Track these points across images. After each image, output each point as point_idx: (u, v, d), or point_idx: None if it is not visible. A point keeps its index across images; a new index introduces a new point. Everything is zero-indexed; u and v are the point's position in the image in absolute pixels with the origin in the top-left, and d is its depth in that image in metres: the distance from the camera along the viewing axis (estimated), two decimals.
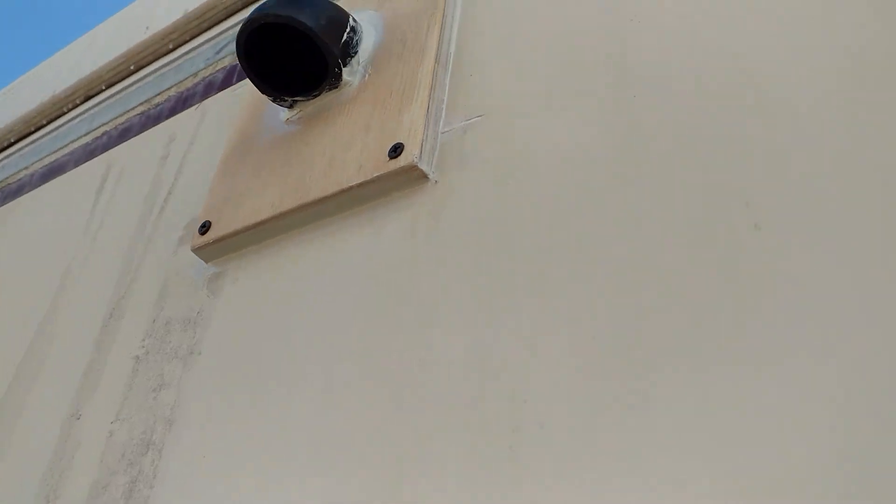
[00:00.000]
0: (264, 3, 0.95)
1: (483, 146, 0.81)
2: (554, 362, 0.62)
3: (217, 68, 1.33)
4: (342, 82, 0.96)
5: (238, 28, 1.36)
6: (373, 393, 0.73)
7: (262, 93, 0.99)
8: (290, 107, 1.00)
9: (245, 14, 1.40)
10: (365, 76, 0.96)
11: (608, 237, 0.66)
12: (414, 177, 0.83)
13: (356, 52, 0.97)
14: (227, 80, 1.28)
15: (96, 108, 1.59)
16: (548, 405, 0.60)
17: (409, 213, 0.82)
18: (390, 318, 0.76)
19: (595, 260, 0.66)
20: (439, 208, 0.80)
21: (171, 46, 1.50)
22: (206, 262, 1.00)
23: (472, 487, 0.60)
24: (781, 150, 0.60)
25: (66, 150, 1.57)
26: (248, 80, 1.21)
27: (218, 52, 1.37)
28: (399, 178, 0.83)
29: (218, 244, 0.97)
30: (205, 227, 0.98)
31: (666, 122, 0.69)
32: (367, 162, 0.85)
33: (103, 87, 1.62)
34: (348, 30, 0.96)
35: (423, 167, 0.82)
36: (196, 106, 1.29)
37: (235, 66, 1.29)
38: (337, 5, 0.97)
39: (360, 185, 0.85)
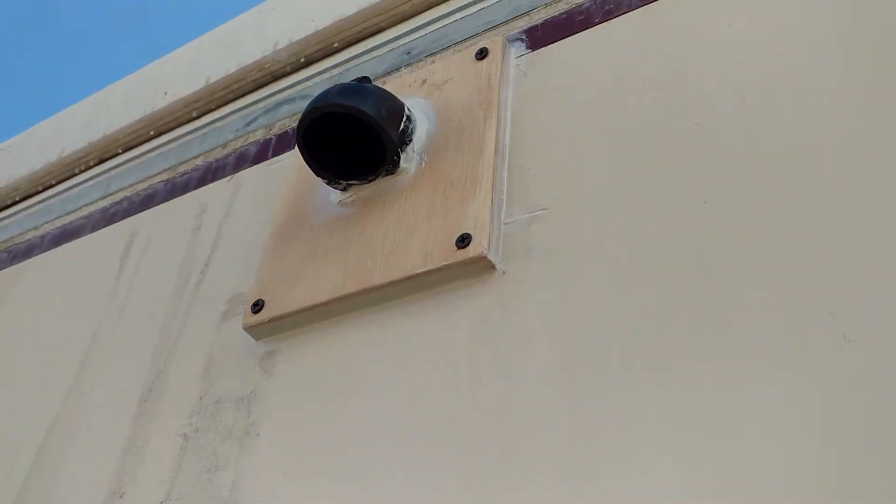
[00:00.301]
0: (326, 92, 0.99)
1: (549, 239, 0.85)
2: (652, 466, 0.65)
3: (248, 141, 1.36)
4: (399, 169, 0.99)
5: (268, 101, 1.40)
6: (453, 485, 0.74)
7: (318, 176, 1.02)
8: (344, 189, 1.03)
9: (273, 88, 1.44)
10: (421, 163, 0.99)
11: (690, 341, 0.70)
12: (482, 267, 0.86)
13: (411, 140, 1.00)
14: (261, 154, 1.30)
15: (113, 172, 1.59)
16: None
17: (476, 302, 0.85)
18: (467, 409, 0.78)
19: (678, 361, 0.69)
20: (509, 298, 0.83)
21: (194, 114, 1.52)
22: (257, 339, 1.01)
23: None
24: (863, 256, 0.65)
25: (82, 213, 1.56)
26: (286, 157, 1.24)
27: (248, 125, 1.39)
28: (467, 267, 0.86)
29: (272, 323, 0.98)
30: (258, 306, 1.00)
31: (738, 228, 0.74)
32: (434, 250, 0.88)
33: (119, 151, 1.62)
34: (405, 118, 1.00)
35: (492, 258, 0.85)
36: (229, 178, 1.31)
37: (270, 139, 1.31)
38: (394, 95, 1.01)
39: (426, 273, 0.88)
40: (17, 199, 1.79)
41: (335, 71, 1.33)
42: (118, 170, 1.59)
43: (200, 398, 1.01)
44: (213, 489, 0.90)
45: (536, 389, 0.76)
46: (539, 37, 1.06)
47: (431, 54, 1.19)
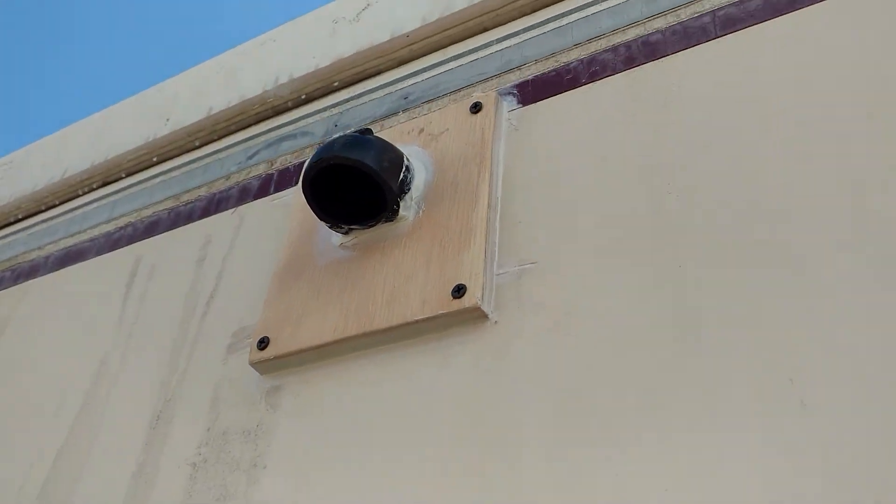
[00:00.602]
0: (332, 143, 1.05)
1: (539, 292, 0.93)
2: None
3: (251, 174, 1.42)
4: (398, 217, 1.06)
5: (270, 136, 1.46)
6: None
7: (321, 220, 1.08)
8: (346, 233, 1.10)
9: (275, 122, 1.50)
10: (419, 212, 1.06)
11: (665, 395, 0.77)
12: (475, 316, 0.93)
13: (410, 189, 1.07)
14: (263, 189, 1.36)
15: (117, 196, 1.65)
16: None
17: (472, 348, 0.92)
18: (463, 447, 0.85)
19: (653, 415, 0.77)
20: (503, 346, 0.91)
21: (196, 143, 1.58)
22: (262, 374, 1.07)
23: None
24: (821, 330, 0.73)
25: (86, 236, 1.62)
26: (288, 193, 1.31)
27: (250, 158, 1.45)
28: (462, 316, 0.93)
29: (277, 360, 1.05)
30: (263, 343, 1.06)
31: (711, 294, 0.81)
32: (431, 298, 0.96)
33: (123, 175, 1.68)
34: (404, 168, 1.06)
35: (485, 308, 0.93)
36: (232, 210, 1.37)
37: (272, 175, 1.38)
38: (394, 146, 1.08)
39: (424, 320, 0.95)
40: (20, 216, 1.84)
41: (335, 110, 1.39)
42: (122, 194, 1.64)
43: (208, 429, 1.08)
44: None
45: (526, 433, 0.83)
46: (530, 92, 1.13)
47: (428, 101, 1.26)
